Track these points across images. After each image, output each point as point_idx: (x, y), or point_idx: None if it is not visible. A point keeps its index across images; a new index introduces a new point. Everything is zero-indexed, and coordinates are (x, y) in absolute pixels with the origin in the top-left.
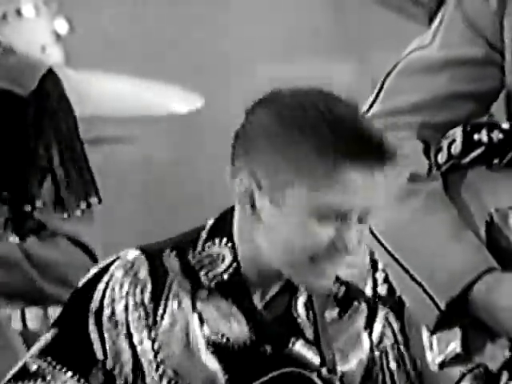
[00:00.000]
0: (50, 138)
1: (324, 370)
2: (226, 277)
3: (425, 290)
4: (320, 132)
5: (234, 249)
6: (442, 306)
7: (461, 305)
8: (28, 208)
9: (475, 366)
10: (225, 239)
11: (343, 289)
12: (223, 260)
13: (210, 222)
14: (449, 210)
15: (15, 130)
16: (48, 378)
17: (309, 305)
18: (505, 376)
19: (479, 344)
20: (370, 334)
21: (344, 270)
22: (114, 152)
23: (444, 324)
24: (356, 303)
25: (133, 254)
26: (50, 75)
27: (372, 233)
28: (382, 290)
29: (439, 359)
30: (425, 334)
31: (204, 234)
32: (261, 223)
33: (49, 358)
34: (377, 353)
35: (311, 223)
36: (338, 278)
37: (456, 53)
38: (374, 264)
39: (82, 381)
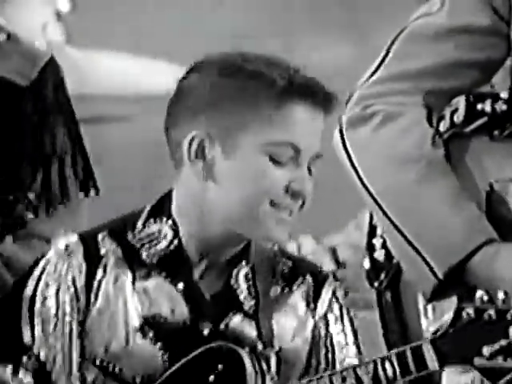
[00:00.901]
0: (43, 131)
1: (259, 345)
2: (167, 253)
3: (423, 258)
4: (263, 73)
5: (174, 226)
6: (440, 275)
7: (459, 274)
8: (11, 198)
9: None
10: (165, 217)
11: (290, 263)
12: (164, 237)
13: (149, 205)
14: (450, 178)
15: (10, 121)
16: None
17: (250, 277)
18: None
19: None
20: (313, 310)
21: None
22: (114, 130)
23: (441, 293)
24: (301, 278)
25: (69, 239)
26: (51, 64)
27: (372, 197)
28: (380, 255)
29: (434, 327)
30: (421, 301)
31: (144, 215)
32: (213, 181)
33: None
34: (322, 328)
35: (266, 165)
36: (287, 255)
37: (463, 21)
38: (372, 229)
39: (11, 369)
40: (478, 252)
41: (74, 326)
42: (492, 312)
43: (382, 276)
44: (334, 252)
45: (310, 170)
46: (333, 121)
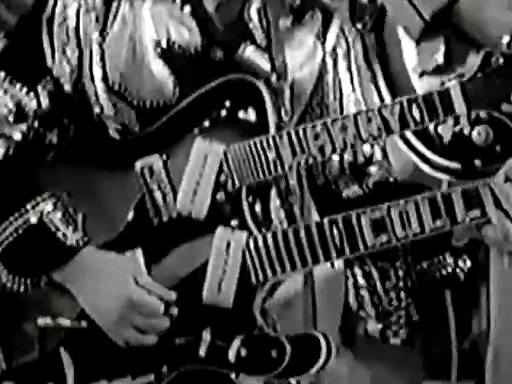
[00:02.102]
0: None
1: (273, 77)
2: None
3: (410, 1)
4: None
5: None
6: (427, 17)
7: (446, 15)
8: None
9: (455, 76)
10: None
11: None
12: None
13: None
14: None
15: None
16: None
17: (262, 11)
18: None
19: (461, 56)
20: (322, 43)
21: None
22: None
23: (428, 33)
24: (311, 12)
25: None
26: None
27: None
28: None
29: (420, 69)
30: (405, 47)
31: None
32: None
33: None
34: (329, 61)
35: None
36: None
37: None
38: None
39: (32, 92)
40: None
41: (95, 48)
42: None
43: (366, 18)
44: None
45: None
46: None
